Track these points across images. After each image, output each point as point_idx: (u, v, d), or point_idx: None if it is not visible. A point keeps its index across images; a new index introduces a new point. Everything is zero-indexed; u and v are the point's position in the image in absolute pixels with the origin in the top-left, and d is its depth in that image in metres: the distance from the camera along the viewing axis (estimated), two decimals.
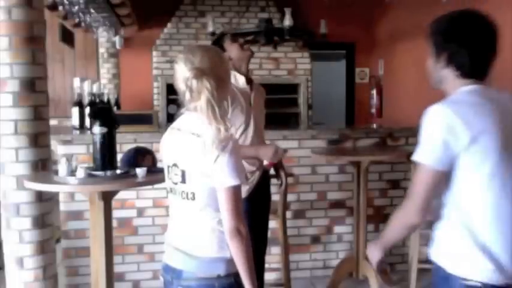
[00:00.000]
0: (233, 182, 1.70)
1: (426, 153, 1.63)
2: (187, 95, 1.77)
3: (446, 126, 1.58)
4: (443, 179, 1.64)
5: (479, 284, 1.61)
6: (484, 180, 1.62)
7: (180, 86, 1.78)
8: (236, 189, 1.72)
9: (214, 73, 1.76)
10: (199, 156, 1.71)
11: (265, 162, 2.96)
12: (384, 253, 1.83)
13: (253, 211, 2.84)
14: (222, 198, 1.72)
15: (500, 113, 1.66)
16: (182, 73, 1.76)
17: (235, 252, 1.73)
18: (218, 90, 1.75)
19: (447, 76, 1.72)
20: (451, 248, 1.69)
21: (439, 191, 1.68)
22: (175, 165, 1.80)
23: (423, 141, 1.64)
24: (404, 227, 1.78)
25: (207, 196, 1.75)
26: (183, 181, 1.77)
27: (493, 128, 1.60)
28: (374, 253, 1.83)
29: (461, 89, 1.69)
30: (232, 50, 2.99)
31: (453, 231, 1.68)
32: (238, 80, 2.94)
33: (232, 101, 2.80)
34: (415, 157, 1.66)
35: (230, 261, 1.77)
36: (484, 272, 1.62)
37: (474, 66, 1.71)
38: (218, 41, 3.17)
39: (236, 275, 1.77)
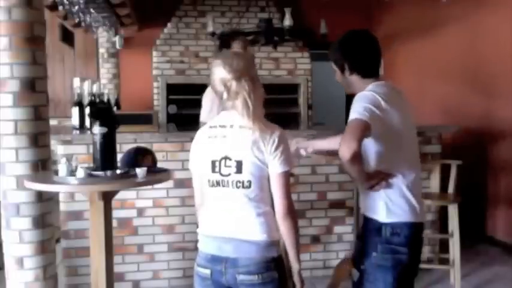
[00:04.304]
0: (286, 167, 1.90)
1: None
2: (225, 95, 1.94)
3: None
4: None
5: None
6: None
7: (218, 86, 1.96)
8: (287, 174, 1.92)
9: (249, 74, 1.95)
10: (255, 146, 1.88)
11: None
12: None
13: None
14: (276, 183, 1.91)
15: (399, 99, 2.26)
16: (221, 74, 1.94)
17: (288, 232, 1.92)
18: (254, 90, 1.93)
19: (354, 80, 2.28)
20: None
21: None
22: (226, 158, 1.92)
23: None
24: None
25: (262, 183, 1.92)
26: (239, 171, 1.91)
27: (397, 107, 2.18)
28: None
29: (369, 86, 2.21)
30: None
31: None
32: None
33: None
34: None
35: (279, 243, 1.95)
36: None
37: (370, 68, 2.27)
38: (224, 43, 3.24)
39: (281, 256, 1.96)
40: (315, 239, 4.19)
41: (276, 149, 1.89)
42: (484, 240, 5.07)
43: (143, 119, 4.13)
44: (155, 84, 6.95)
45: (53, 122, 3.39)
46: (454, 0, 5.36)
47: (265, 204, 1.94)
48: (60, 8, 4.36)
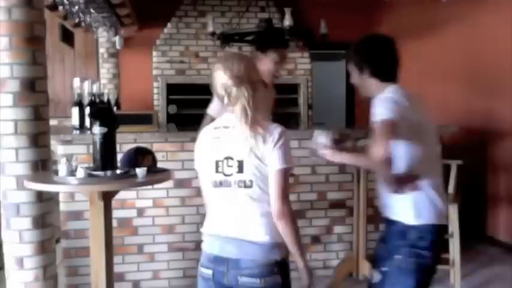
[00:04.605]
0: (283, 165, 1.89)
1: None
2: (226, 100, 1.96)
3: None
4: None
5: None
6: None
7: (219, 91, 1.98)
8: (284, 173, 1.90)
9: (250, 80, 1.95)
10: (255, 146, 1.89)
11: None
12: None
13: None
14: (272, 181, 1.89)
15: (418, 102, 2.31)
16: (221, 80, 1.95)
17: (284, 232, 1.90)
18: (253, 96, 1.94)
19: (372, 84, 2.31)
20: None
21: None
22: (229, 158, 1.93)
23: None
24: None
25: (265, 183, 1.90)
26: (240, 171, 1.91)
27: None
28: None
29: (386, 89, 2.25)
30: (265, 64, 3.06)
31: None
32: None
33: None
34: None
35: (284, 246, 1.92)
36: None
37: (390, 73, 2.31)
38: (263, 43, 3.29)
39: (286, 259, 1.95)
40: (315, 239, 4.19)
41: (275, 145, 1.89)
42: (484, 240, 5.07)
43: (143, 119, 4.13)
44: (155, 84, 6.95)
45: (53, 122, 3.38)
46: (454, 0, 5.36)
47: (270, 205, 1.92)
48: (60, 8, 4.36)
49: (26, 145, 3.00)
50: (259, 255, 1.88)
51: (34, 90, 3.03)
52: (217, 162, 1.96)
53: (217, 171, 1.96)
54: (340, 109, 7.78)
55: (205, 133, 2.05)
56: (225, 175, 1.94)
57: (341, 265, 3.94)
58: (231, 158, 1.93)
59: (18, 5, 2.96)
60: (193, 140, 4.24)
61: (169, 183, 3.71)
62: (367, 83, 2.32)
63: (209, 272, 1.96)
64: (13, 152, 3.00)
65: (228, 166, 1.93)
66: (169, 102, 6.92)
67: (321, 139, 2.33)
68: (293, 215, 1.93)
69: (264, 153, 1.89)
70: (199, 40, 6.87)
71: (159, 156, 3.18)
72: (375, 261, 2.35)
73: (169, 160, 3.83)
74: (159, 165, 2.97)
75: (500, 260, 4.60)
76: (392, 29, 6.91)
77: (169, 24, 6.88)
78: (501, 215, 5.05)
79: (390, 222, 2.28)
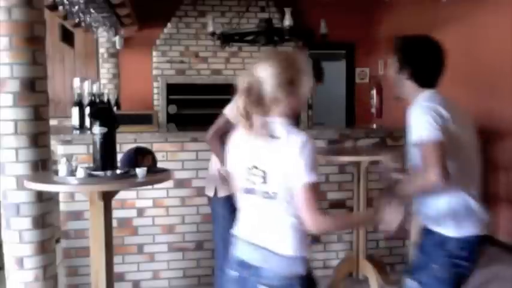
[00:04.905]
0: (308, 178, 1.78)
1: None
2: (265, 101, 1.84)
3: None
4: None
5: None
6: None
7: (259, 90, 1.84)
8: (311, 186, 1.79)
9: (293, 83, 1.84)
10: (281, 157, 1.80)
11: None
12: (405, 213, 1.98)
13: None
14: (298, 196, 1.79)
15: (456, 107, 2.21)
16: (264, 79, 1.83)
17: (330, 229, 1.93)
18: (291, 98, 1.85)
19: (409, 86, 2.22)
20: None
21: None
22: (255, 167, 1.87)
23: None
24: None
25: (289, 195, 1.82)
26: (264, 181, 1.85)
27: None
28: (395, 214, 1.97)
29: (422, 94, 2.18)
30: None
31: None
32: None
33: None
34: None
35: (307, 261, 1.87)
36: None
37: (430, 80, 2.22)
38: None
39: (309, 274, 1.91)
40: (315, 239, 4.19)
41: (299, 157, 1.78)
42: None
43: (143, 119, 4.13)
44: (155, 84, 6.95)
45: (53, 122, 3.38)
46: (454, 0, 5.36)
47: (296, 217, 1.83)
48: (60, 8, 4.36)
49: (26, 145, 3.00)
50: (281, 267, 1.84)
51: (34, 90, 3.03)
52: (246, 169, 1.91)
53: (246, 178, 1.91)
54: (340, 109, 7.78)
55: (240, 136, 1.97)
56: (252, 184, 1.89)
57: (341, 265, 3.94)
58: (256, 167, 1.87)
59: (18, 5, 2.96)
60: (194, 140, 4.27)
61: (169, 183, 3.71)
62: (403, 83, 2.22)
63: (236, 274, 1.94)
64: (13, 152, 3.00)
65: (254, 175, 1.88)
66: (169, 102, 6.93)
67: (390, 164, 2.30)
68: (328, 219, 1.87)
69: (289, 164, 1.79)
70: (199, 40, 6.87)
71: (159, 156, 3.18)
72: (409, 269, 2.31)
73: (169, 160, 3.83)
74: (159, 165, 2.97)
75: (499, 259, 4.59)
76: (392, 29, 6.92)
77: (169, 24, 6.88)
78: (501, 215, 5.05)
79: (429, 232, 2.22)
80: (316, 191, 1.81)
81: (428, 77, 2.21)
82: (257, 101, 1.83)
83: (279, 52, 1.91)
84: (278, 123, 1.85)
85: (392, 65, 2.25)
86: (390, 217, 1.96)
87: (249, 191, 1.91)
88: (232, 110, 2.96)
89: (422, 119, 2.06)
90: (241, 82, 1.86)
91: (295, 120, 1.93)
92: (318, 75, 3.23)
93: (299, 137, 1.81)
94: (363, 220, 1.95)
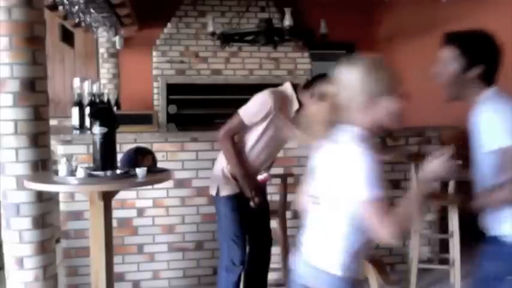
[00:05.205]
0: (370, 193, 1.64)
1: None
2: (346, 109, 1.76)
3: None
4: None
5: None
6: None
7: (340, 98, 1.76)
8: (374, 201, 1.64)
9: (376, 95, 1.74)
10: (343, 167, 1.70)
11: (261, 177, 3.09)
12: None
13: (246, 206, 3.01)
14: (362, 212, 1.67)
15: None
16: (347, 87, 1.75)
17: (402, 230, 1.69)
18: (373, 110, 1.74)
19: (474, 85, 2.02)
20: None
21: None
22: (321, 177, 1.81)
23: None
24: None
25: (348, 209, 1.71)
26: (326, 195, 1.78)
27: None
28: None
29: (486, 93, 2.02)
30: (309, 102, 3.05)
31: None
32: (292, 105, 3.03)
33: (274, 116, 2.94)
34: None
35: (357, 283, 1.80)
36: None
37: (494, 77, 2.07)
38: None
39: None
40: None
41: (359, 169, 1.65)
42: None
43: (143, 119, 4.13)
44: (155, 84, 6.95)
45: (53, 122, 3.38)
46: (454, 0, 5.36)
47: (349, 235, 1.74)
48: (60, 8, 4.36)
49: (26, 145, 3.00)
50: (329, 286, 1.77)
51: (34, 90, 3.03)
52: (316, 177, 1.85)
53: (314, 187, 1.85)
54: None
55: (325, 142, 1.85)
56: (318, 192, 1.82)
57: None
58: (322, 178, 1.80)
59: (18, 5, 2.96)
60: (194, 140, 4.26)
61: (169, 183, 3.71)
62: (467, 83, 2.01)
63: (297, 286, 1.89)
64: (13, 152, 3.00)
65: (320, 186, 1.81)
66: (169, 102, 6.92)
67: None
68: (396, 225, 1.65)
69: (350, 178, 1.67)
70: (199, 40, 6.87)
71: (159, 156, 3.18)
72: (477, 282, 2.19)
73: (169, 160, 3.83)
74: (159, 165, 2.97)
75: None
76: (392, 29, 6.92)
77: (169, 24, 6.88)
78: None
79: (497, 242, 2.10)
80: (381, 205, 1.64)
81: (495, 75, 2.06)
82: (337, 108, 1.76)
83: (366, 61, 1.81)
84: (351, 133, 1.74)
85: (453, 62, 2.02)
86: (433, 165, 1.83)
87: (314, 200, 1.83)
88: (246, 111, 2.96)
89: (504, 124, 1.89)
90: (323, 88, 1.80)
91: (378, 134, 1.82)
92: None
93: (362, 148, 1.67)
94: (418, 196, 1.70)
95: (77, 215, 3.76)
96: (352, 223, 1.72)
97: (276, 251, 3.78)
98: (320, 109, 1.80)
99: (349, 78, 1.76)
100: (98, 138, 2.59)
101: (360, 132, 1.74)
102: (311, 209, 1.85)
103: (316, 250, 1.82)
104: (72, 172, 2.54)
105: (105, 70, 6.85)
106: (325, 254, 1.79)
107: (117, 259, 3.40)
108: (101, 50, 6.86)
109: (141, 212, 3.90)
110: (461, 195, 2.11)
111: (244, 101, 3.02)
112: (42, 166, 3.06)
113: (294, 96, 3.03)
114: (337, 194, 1.73)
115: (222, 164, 3.04)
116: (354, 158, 1.67)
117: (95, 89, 4.25)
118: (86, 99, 4.23)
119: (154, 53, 6.89)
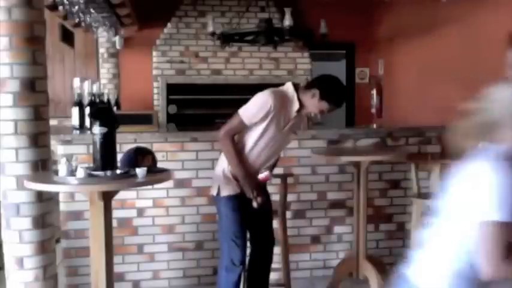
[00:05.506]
0: (492, 215, 1.46)
1: None
2: (495, 125, 1.66)
3: None
4: None
5: None
6: None
7: (488, 114, 1.68)
8: (493, 225, 1.45)
9: None
10: (477, 184, 1.55)
11: (261, 176, 3.06)
12: None
13: (247, 207, 3.00)
14: (476, 233, 1.51)
15: None
16: (501, 103, 1.69)
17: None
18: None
19: None
20: None
21: None
22: (453, 192, 1.69)
23: None
24: None
25: (468, 230, 1.55)
26: (450, 210, 1.66)
27: None
28: None
29: None
30: (314, 104, 3.02)
31: None
32: (293, 105, 3.02)
33: (274, 116, 2.92)
34: None
35: None
36: None
37: None
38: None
39: None
40: (315, 239, 4.20)
41: (484, 188, 1.50)
42: None
43: (143, 119, 4.13)
44: (155, 84, 6.95)
45: (53, 122, 3.38)
46: (454, 0, 5.36)
47: (468, 260, 1.56)
48: (60, 8, 4.36)
49: (26, 145, 3.00)
50: None
51: (34, 90, 3.03)
52: (446, 195, 1.71)
53: (441, 203, 1.72)
54: (340, 109, 7.73)
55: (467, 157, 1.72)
56: (440, 210, 1.70)
57: (341, 265, 3.94)
58: (449, 195, 1.67)
59: (18, 5, 2.96)
60: (194, 140, 4.27)
61: (169, 183, 3.72)
62: None
63: None
64: (13, 152, 3.00)
65: (446, 199, 1.68)
66: (169, 102, 6.92)
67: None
68: (505, 271, 1.50)
69: (473, 194, 1.54)
70: (199, 40, 6.87)
71: (159, 156, 3.18)
72: None
73: (169, 160, 3.83)
74: (159, 165, 2.97)
75: None
76: (392, 29, 6.92)
77: (169, 24, 6.88)
78: None
79: None
80: (500, 232, 1.46)
81: None
82: (483, 125, 1.68)
83: None
84: (496, 151, 1.61)
85: None
86: None
87: (436, 216, 1.70)
88: (246, 111, 2.96)
89: None
90: (472, 104, 1.73)
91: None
92: (338, 102, 3.22)
93: (504, 166, 1.51)
94: None
95: (77, 215, 3.76)
96: (468, 247, 1.57)
97: (276, 251, 3.78)
98: (468, 125, 1.71)
99: (505, 96, 1.69)
100: (98, 138, 2.59)
101: (507, 150, 1.61)
102: (432, 226, 1.72)
103: (425, 272, 1.69)
104: (72, 172, 2.53)
105: (105, 70, 6.86)
106: (434, 276, 1.66)
107: (117, 259, 3.40)
108: (101, 50, 6.86)
109: (141, 212, 3.90)
110: None
111: (244, 101, 3.02)
112: (42, 166, 3.06)
113: (295, 96, 3.02)
114: (461, 213, 1.58)
115: (223, 164, 3.04)
116: (490, 175, 1.52)
117: (95, 89, 4.25)
118: (86, 99, 4.23)
119: (154, 53, 6.89)
